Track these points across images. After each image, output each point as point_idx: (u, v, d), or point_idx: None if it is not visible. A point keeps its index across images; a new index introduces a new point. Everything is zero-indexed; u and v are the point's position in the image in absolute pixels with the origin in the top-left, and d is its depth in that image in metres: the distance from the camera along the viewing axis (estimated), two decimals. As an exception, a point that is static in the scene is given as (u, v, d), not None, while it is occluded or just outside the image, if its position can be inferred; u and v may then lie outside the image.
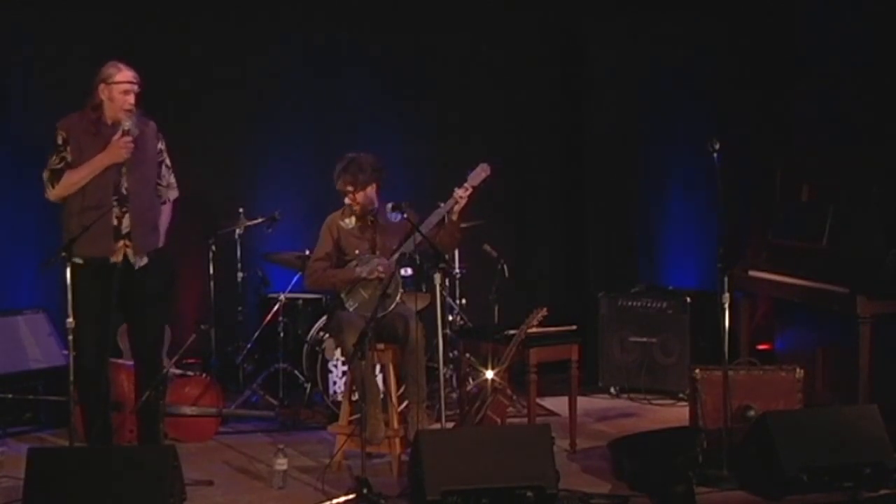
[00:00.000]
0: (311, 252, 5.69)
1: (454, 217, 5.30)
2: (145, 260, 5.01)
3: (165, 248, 5.17)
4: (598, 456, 5.38)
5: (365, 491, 4.63)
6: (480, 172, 5.31)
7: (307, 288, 5.88)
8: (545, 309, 5.30)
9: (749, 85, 7.11)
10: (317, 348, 6.15)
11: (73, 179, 4.89)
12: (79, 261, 4.82)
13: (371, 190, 5.38)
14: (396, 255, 5.32)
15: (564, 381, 5.59)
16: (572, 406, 5.57)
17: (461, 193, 5.25)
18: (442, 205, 5.29)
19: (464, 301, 6.76)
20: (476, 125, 7.44)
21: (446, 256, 5.57)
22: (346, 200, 5.41)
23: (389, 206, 5.27)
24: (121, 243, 4.93)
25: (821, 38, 6.62)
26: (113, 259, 4.91)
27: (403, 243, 5.35)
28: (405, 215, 5.20)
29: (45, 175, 4.95)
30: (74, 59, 6.49)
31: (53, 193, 4.95)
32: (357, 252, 5.38)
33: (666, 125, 7.40)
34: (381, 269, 5.30)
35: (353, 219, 5.44)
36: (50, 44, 6.68)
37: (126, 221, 4.93)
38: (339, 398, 5.83)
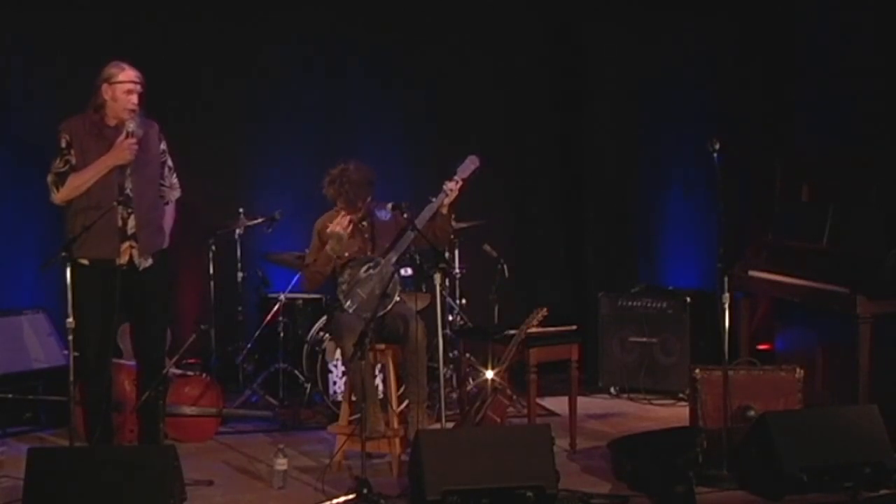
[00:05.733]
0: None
1: (444, 210, 5.28)
2: (150, 261, 4.99)
3: (166, 249, 5.16)
4: (598, 456, 5.38)
5: (365, 491, 4.63)
6: (470, 164, 5.30)
7: (307, 291, 5.88)
8: (545, 309, 5.29)
9: (749, 85, 7.10)
10: (317, 348, 6.15)
11: (78, 182, 4.86)
12: (84, 261, 4.82)
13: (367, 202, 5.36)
14: (392, 253, 5.31)
15: (564, 381, 5.60)
16: (572, 406, 5.57)
17: (451, 186, 5.24)
18: (433, 199, 5.28)
19: (464, 301, 6.75)
20: (476, 125, 7.43)
21: (446, 255, 5.55)
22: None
23: (389, 205, 5.27)
24: (126, 245, 4.91)
25: (821, 38, 6.61)
26: (118, 261, 4.89)
27: (397, 241, 5.34)
28: (405, 215, 5.20)
29: (50, 179, 4.92)
30: (74, 59, 6.49)
31: (59, 197, 4.92)
32: (347, 254, 5.36)
33: (666, 125, 7.40)
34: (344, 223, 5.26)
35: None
36: (50, 44, 6.67)
37: (131, 223, 4.91)
38: (339, 398, 5.83)
